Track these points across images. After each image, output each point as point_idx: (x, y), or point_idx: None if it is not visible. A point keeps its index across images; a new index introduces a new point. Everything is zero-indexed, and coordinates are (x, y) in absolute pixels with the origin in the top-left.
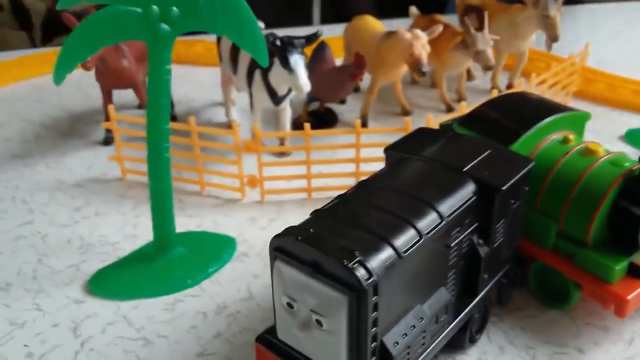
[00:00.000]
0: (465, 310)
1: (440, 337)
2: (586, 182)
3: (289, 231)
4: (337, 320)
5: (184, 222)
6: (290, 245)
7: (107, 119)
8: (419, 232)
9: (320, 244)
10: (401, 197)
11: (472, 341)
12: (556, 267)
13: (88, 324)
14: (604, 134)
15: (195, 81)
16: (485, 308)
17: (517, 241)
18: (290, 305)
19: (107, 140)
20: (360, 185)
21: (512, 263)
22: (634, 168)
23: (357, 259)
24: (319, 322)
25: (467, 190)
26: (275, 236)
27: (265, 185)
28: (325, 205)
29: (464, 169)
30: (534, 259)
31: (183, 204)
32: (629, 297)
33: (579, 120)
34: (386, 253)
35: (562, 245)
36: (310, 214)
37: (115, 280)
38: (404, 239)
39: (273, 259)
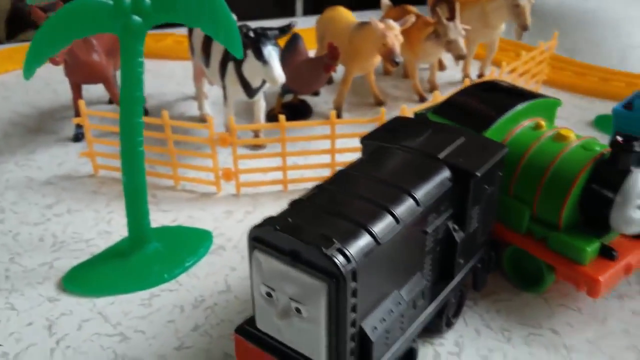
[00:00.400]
0: (442, 295)
1: (418, 321)
2: (558, 167)
3: (267, 221)
4: (317, 307)
5: (158, 217)
6: (269, 235)
7: (77, 114)
8: (396, 219)
9: (299, 233)
10: (378, 185)
11: (449, 325)
12: (530, 250)
13: (63, 322)
14: (574, 120)
15: (166, 75)
16: (461, 293)
17: (492, 226)
18: (269, 295)
19: (78, 137)
20: (338, 174)
21: (486, 248)
22: (605, 152)
23: (336, 246)
24: (298, 310)
25: (443, 177)
26: (253, 226)
27: (241, 178)
28: (303, 195)
29: (439, 156)
30: (508, 243)
31: (157, 199)
32: (601, 277)
33: (550, 107)
34: (364, 240)
35: (536, 229)
36: (288, 204)
37: (90, 277)
38: (382, 226)
39: (251, 249)
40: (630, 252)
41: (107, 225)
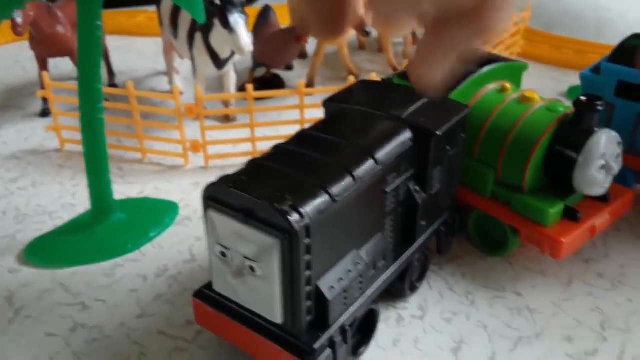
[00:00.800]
0: (404, 257)
1: (379, 282)
2: (521, 128)
3: (222, 179)
4: (270, 265)
5: (124, 190)
6: (223, 193)
7: (43, 87)
8: (353, 177)
9: (252, 190)
10: (337, 145)
11: (413, 289)
12: (494, 214)
13: (23, 292)
14: (547, 91)
15: (138, 51)
16: (425, 256)
17: (456, 190)
18: (223, 255)
19: (45, 112)
20: (298, 134)
21: (451, 212)
22: (569, 113)
23: (289, 202)
24: (252, 269)
25: (404, 137)
26: (207, 185)
27: (210, 150)
28: (261, 155)
29: (401, 116)
30: (473, 208)
31: (123, 172)
32: (564, 239)
33: (516, 71)
34: (319, 197)
35: (500, 193)
36: (246, 163)
37: (52, 249)
38: (338, 183)
39: (206, 208)
40: (596, 214)
41: (72, 198)
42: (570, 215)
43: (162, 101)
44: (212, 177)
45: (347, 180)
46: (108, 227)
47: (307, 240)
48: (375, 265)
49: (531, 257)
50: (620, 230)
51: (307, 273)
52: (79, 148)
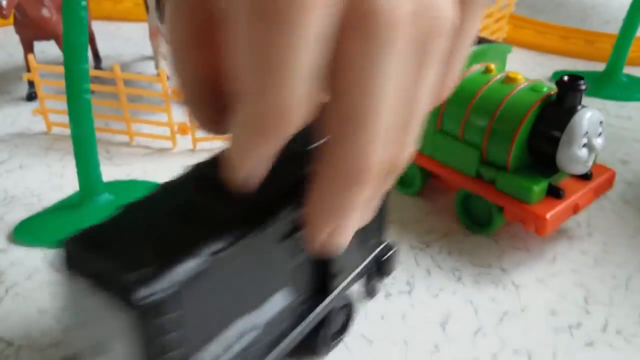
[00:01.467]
0: (316, 311)
1: (281, 347)
2: (505, 108)
3: (78, 235)
4: (122, 345)
5: (112, 172)
6: (76, 253)
7: (29, 71)
8: (236, 232)
9: (110, 252)
10: (223, 195)
11: (334, 341)
12: (479, 192)
13: (13, 271)
14: (533, 76)
15: (124, 37)
16: (347, 305)
17: (385, 225)
18: (78, 328)
19: (31, 96)
20: (191, 170)
21: (383, 247)
22: (552, 93)
23: (142, 272)
24: (104, 348)
25: (306, 173)
26: (68, 239)
27: (198, 133)
28: (142, 197)
29: (305, 150)
30: (459, 187)
31: (111, 154)
32: (548, 215)
33: (501, 53)
34: (188, 261)
35: (485, 172)
36: (120, 208)
37: (41, 228)
38: (216, 241)
39: (59, 269)
40: (578, 191)
41: (60, 180)
42: (554, 193)
43: (149, 84)
44: (200, 159)
45: (228, 237)
46: (96, 207)
47: (171, 315)
48: (278, 327)
49: (516, 234)
50: (604, 209)
51: (178, 351)
52: (66, 131)
